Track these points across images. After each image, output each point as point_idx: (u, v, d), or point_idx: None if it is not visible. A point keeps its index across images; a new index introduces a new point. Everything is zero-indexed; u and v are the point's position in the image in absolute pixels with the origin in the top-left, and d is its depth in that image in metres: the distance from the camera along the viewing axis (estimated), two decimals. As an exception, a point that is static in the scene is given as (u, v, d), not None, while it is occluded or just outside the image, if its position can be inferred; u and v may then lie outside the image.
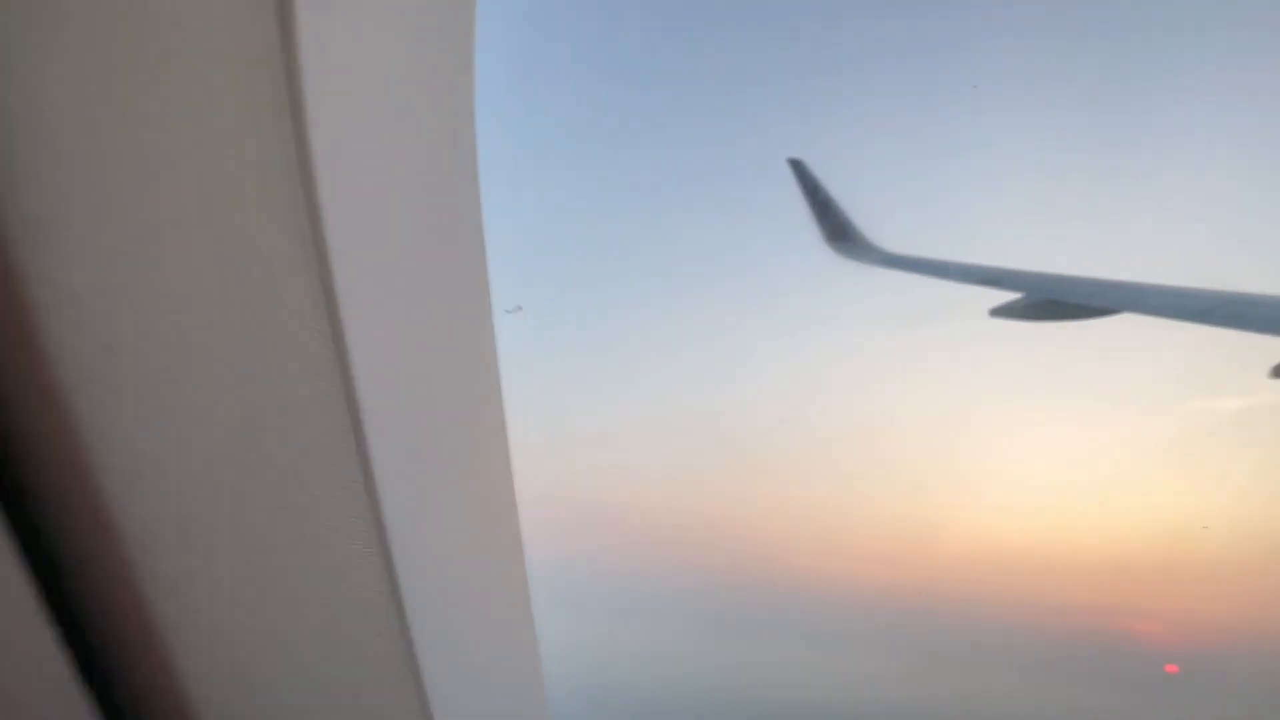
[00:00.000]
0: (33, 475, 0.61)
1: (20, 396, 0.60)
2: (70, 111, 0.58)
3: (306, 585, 0.79)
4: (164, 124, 0.62)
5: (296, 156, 0.68)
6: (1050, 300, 4.37)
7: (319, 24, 0.68)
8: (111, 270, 0.62)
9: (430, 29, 0.92)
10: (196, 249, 0.65)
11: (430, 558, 0.97)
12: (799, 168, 8.38)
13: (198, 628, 0.73)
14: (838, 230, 7.94)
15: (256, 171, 0.67)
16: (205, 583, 0.73)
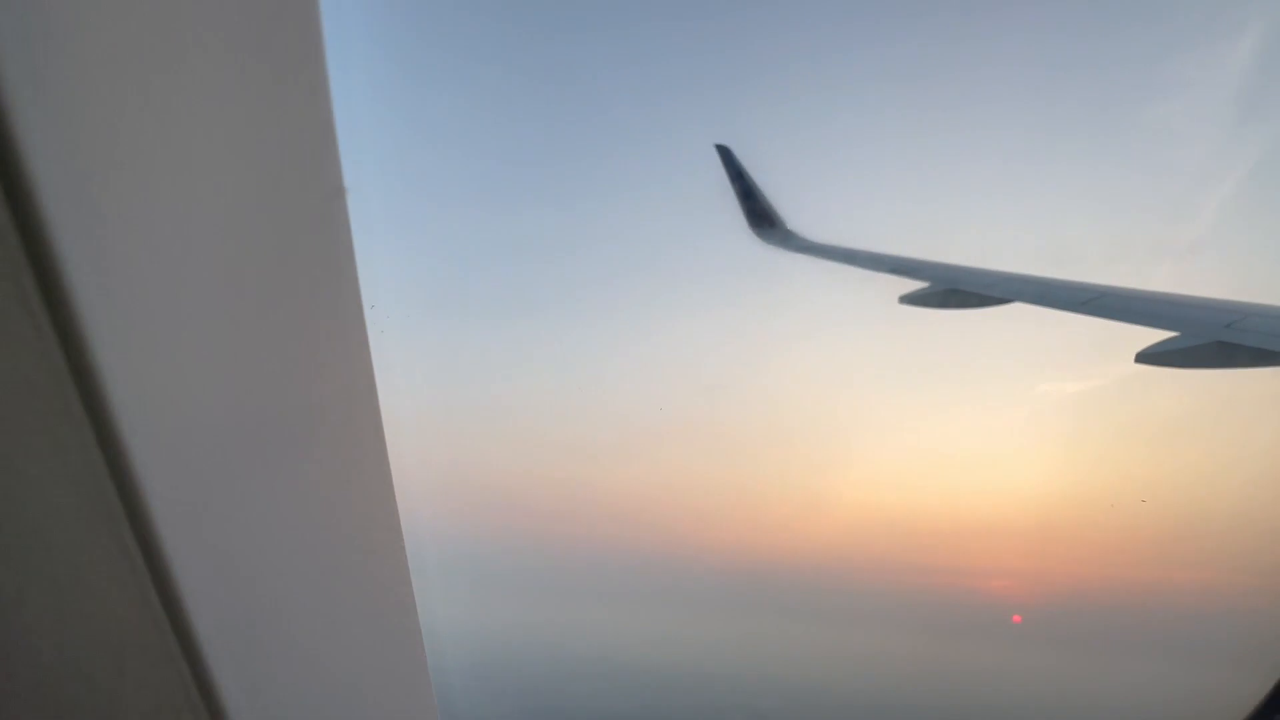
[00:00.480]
0: None
1: None
2: None
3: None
4: None
5: None
6: (952, 290, 4.79)
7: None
8: None
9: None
10: None
11: (307, 549, 0.96)
12: (725, 153, 8.61)
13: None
14: (761, 216, 8.20)
15: None
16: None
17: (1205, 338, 3.89)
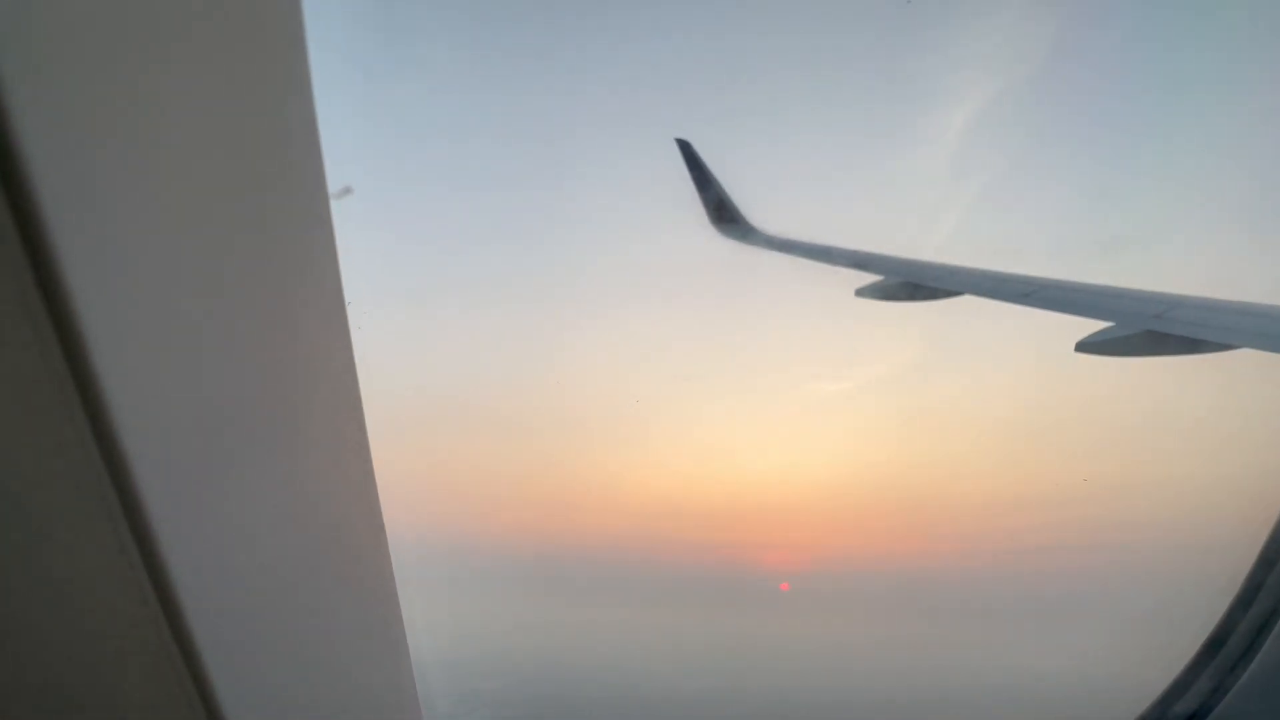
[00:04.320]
0: None
1: None
2: None
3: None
4: None
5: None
6: (906, 283, 5.03)
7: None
8: None
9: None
10: None
11: (291, 552, 0.96)
12: (686, 148, 8.70)
13: None
14: (722, 211, 8.31)
15: None
16: None
17: (1137, 327, 4.16)
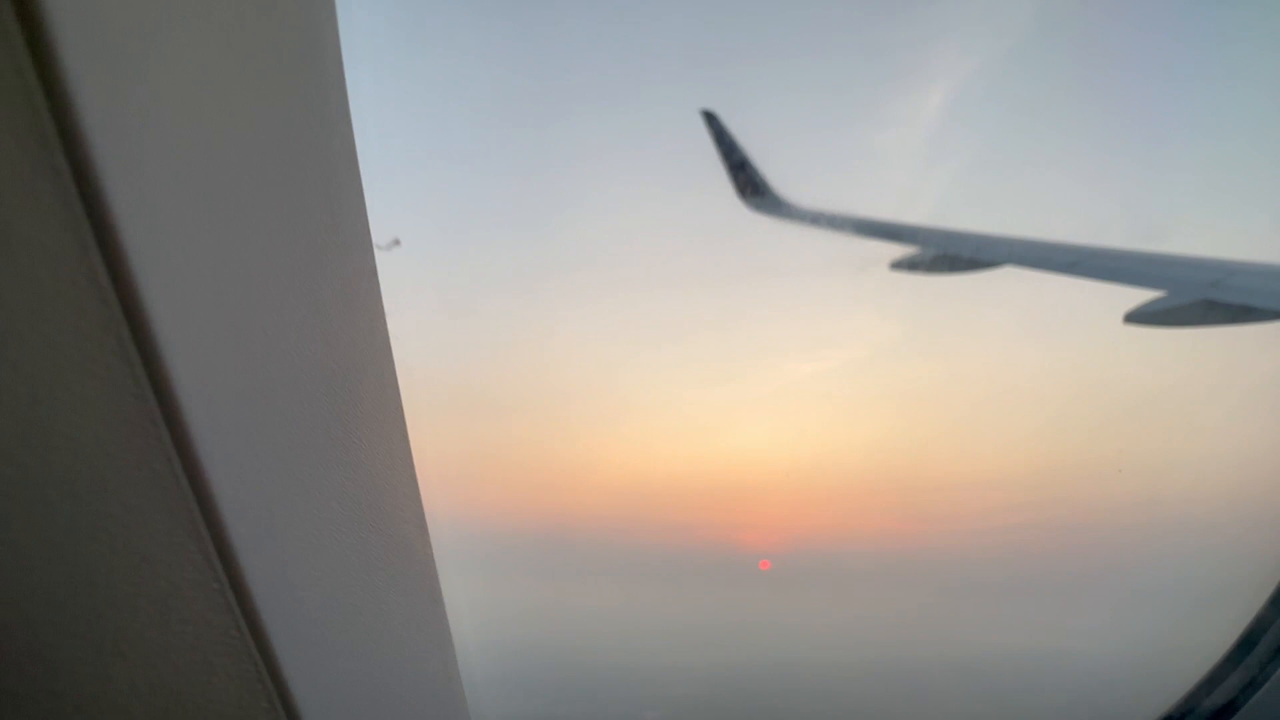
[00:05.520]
0: None
1: None
2: None
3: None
4: None
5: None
6: (944, 254, 4.84)
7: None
8: None
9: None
10: None
11: (330, 548, 0.97)
12: (712, 120, 8.51)
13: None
14: (750, 184, 8.13)
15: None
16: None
17: (1191, 296, 3.95)
